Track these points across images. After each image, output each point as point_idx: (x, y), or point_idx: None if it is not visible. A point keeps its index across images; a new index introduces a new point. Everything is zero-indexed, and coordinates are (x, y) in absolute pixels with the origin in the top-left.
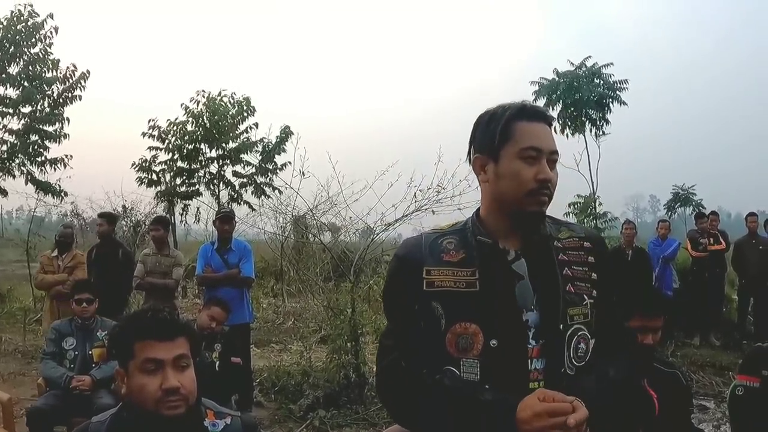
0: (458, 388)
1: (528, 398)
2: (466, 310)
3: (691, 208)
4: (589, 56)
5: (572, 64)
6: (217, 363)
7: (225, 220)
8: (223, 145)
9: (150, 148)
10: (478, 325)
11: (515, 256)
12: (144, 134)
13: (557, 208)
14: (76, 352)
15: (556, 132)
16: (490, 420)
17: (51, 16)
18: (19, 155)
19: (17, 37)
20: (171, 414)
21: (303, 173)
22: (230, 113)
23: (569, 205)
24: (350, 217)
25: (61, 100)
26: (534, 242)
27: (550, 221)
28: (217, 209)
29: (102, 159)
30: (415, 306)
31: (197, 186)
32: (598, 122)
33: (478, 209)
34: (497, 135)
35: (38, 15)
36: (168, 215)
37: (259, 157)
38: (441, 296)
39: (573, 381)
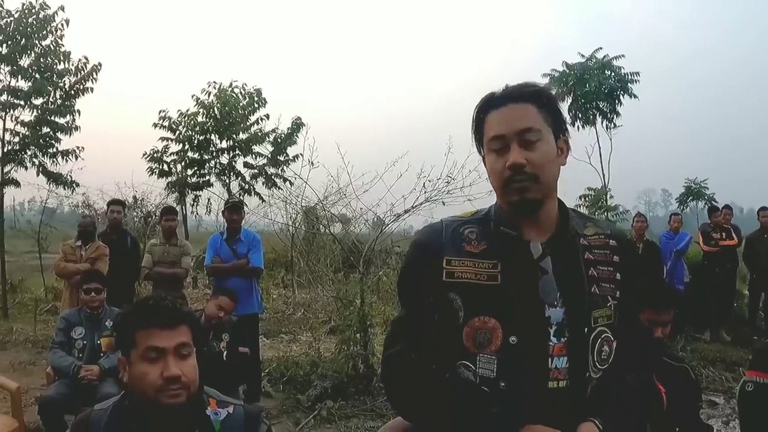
0: (465, 393)
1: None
2: (486, 305)
3: (704, 202)
4: (600, 48)
5: (582, 56)
6: (225, 353)
7: (234, 209)
8: (234, 136)
9: (161, 139)
10: (498, 320)
11: (541, 250)
12: (155, 125)
13: (568, 201)
14: (85, 342)
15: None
16: None
17: (62, 8)
18: (31, 147)
19: (28, 29)
20: (172, 402)
21: (312, 163)
22: (241, 104)
23: (580, 198)
24: (360, 208)
25: (72, 92)
26: (560, 237)
27: (575, 215)
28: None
29: (113, 151)
30: (431, 296)
31: (208, 177)
32: (608, 114)
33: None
34: (473, 133)
35: (49, 7)
36: (179, 206)
37: (271, 149)
38: (461, 288)
39: (598, 392)
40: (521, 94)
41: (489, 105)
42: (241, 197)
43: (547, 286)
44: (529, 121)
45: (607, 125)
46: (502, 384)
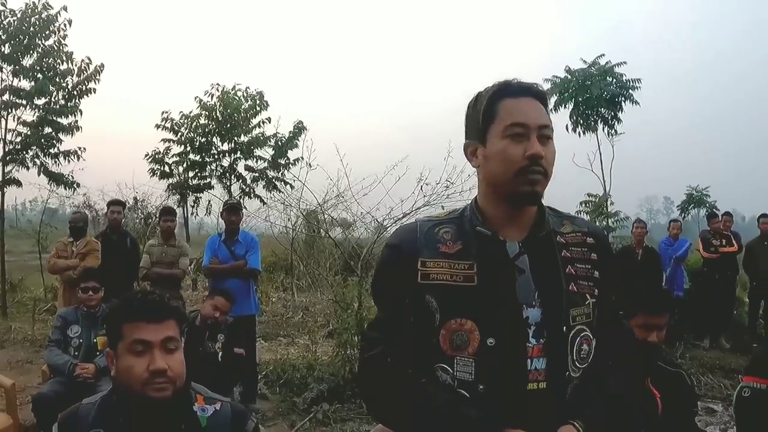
0: (442, 398)
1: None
2: (462, 306)
3: (705, 209)
4: (602, 54)
5: (585, 62)
6: (220, 353)
7: (232, 210)
8: (236, 138)
9: (163, 140)
10: (475, 322)
11: (518, 249)
12: (157, 126)
13: (569, 207)
14: (81, 340)
15: (567, 130)
16: None
17: (65, 8)
18: (33, 147)
19: (31, 29)
20: (157, 396)
21: (310, 165)
22: (243, 107)
23: (581, 204)
24: (360, 213)
25: (75, 93)
26: (537, 235)
27: (552, 213)
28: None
29: (113, 155)
30: (406, 299)
31: (209, 179)
32: (610, 121)
33: (477, 196)
34: (481, 116)
35: (52, 8)
36: (180, 208)
37: (272, 152)
38: (436, 290)
39: (576, 393)
40: (534, 91)
41: (504, 92)
42: (242, 200)
43: (525, 285)
44: (547, 119)
45: (608, 132)
46: (481, 387)
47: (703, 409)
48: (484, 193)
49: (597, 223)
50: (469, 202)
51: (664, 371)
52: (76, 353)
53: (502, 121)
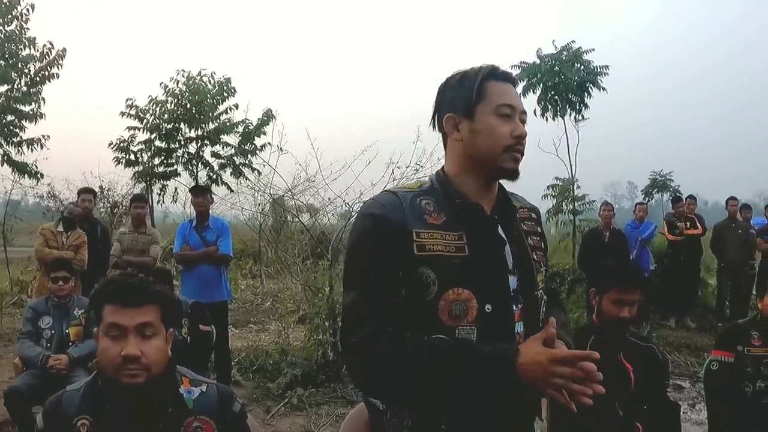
0: (452, 344)
1: (530, 343)
2: (458, 276)
3: (669, 193)
4: (573, 41)
5: (556, 47)
6: (188, 337)
7: (198, 192)
8: (203, 125)
9: (128, 128)
10: (471, 290)
11: (494, 220)
12: (122, 113)
13: (535, 190)
14: (53, 331)
15: (536, 115)
16: (489, 365)
17: None
18: None
19: None
20: (129, 382)
21: (281, 149)
22: (210, 93)
23: (548, 188)
24: (328, 198)
25: (38, 79)
26: (505, 209)
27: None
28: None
29: (78, 141)
30: (399, 272)
31: (175, 166)
32: (578, 107)
33: (442, 169)
34: (473, 93)
35: None
36: (146, 195)
37: (239, 138)
38: (433, 261)
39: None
40: (513, 80)
41: (492, 75)
42: (208, 184)
43: (507, 255)
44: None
45: (575, 117)
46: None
47: (670, 386)
48: (461, 165)
49: (564, 206)
50: (432, 175)
51: (635, 346)
52: (49, 345)
53: (493, 101)
